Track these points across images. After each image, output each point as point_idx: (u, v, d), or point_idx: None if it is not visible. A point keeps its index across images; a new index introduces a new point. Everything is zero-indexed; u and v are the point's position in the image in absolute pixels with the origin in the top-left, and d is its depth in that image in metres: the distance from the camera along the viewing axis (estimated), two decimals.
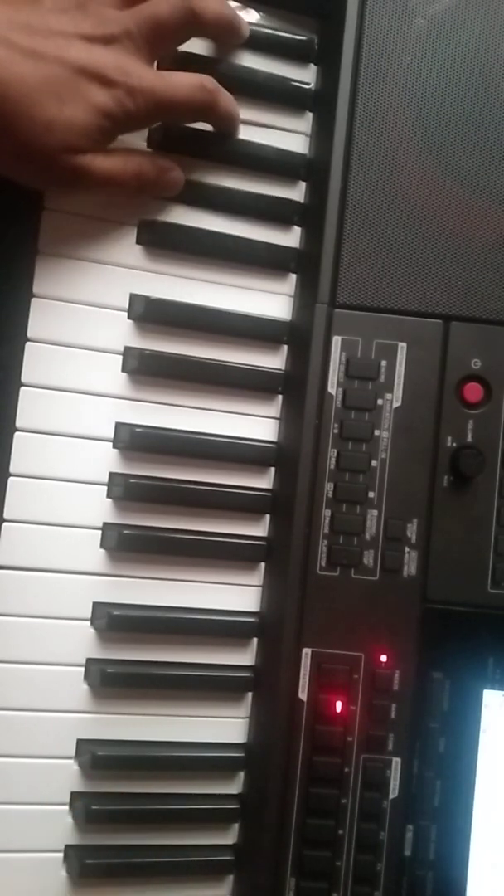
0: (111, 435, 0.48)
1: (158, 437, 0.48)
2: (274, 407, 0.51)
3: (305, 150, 0.52)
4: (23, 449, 0.47)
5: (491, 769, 0.47)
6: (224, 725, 0.49)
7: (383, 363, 0.48)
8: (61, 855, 0.47)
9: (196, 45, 0.49)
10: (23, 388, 0.47)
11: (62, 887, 0.47)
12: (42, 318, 0.47)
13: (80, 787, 0.47)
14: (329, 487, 0.48)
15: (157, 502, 0.49)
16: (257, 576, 0.50)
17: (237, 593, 0.50)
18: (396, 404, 0.48)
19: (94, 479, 0.48)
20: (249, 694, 0.50)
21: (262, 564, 0.50)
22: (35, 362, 0.47)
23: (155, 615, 0.48)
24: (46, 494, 0.47)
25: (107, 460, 0.48)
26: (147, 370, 0.48)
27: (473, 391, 0.49)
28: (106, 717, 0.48)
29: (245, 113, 0.49)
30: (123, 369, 0.48)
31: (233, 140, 0.49)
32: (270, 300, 0.51)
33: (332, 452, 0.48)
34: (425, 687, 0.47)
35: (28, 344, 0.47)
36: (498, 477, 0.49)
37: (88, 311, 0.48)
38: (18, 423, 0.47)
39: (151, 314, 0.48)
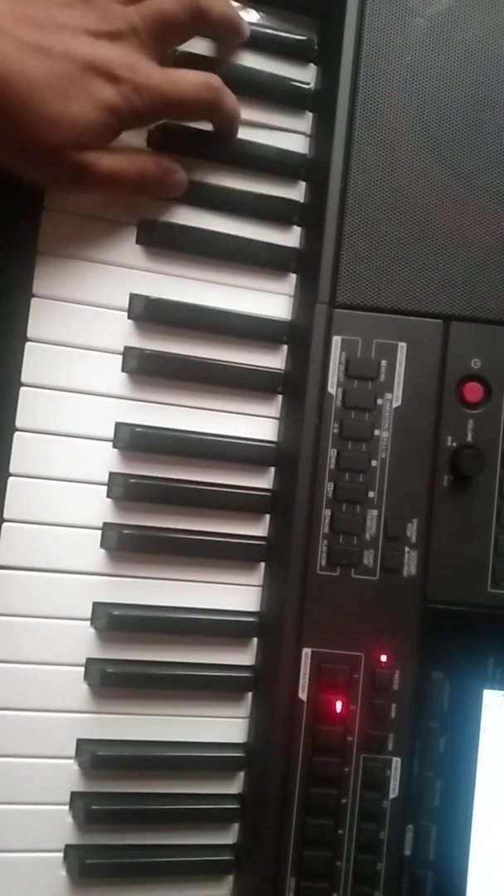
0: (111, 435, 0.48)
1: (158, 437, 0.48)
2: (274, 407, 0.51)
3: (305, 149, 0.52)
4: (23, 449, 0.47)
5: (491, 769, 0.47)
6: (224, 725, 0.49)
7: (383, 363, 0.48)
8: (61, 855, 0.47)
9: (196, 45, 0.49)
10: (23, 388, 0.47)
11: (62, 887, 0.47)
12: (42, 318, 0.47)
13: (80, 787, 0.47)
14: (329, 487, 0.48)
15: (157, 502, 0.49)
16: (257, 576, 0.50)
17: (237, 593, 0.50)
18: (396, 404, 0.48)
19: (94, 479, 0.48)
20: (249, 694, 0.50)
21: (262, 564, 0.50)
22: (35, 362, 0.47)
23: (155, 615, 0.48)
24: (46, 494, 0.47)
25: (107, 460, 0.48)
26: (147, 370, 0.48)
27: (473, 391, 0.49)
28: (106, 717, 0.48)
29: (245, 113, 0.49)
30: (123, 369, 0.48)
31: (233, 140, 0.49)
32: (270, 300, 0.51)
33: (332, 452, 0.48)
34: (425, 687, 0.47)
35: (28, 344, 0.47)
36: (498, 477, 0.49)
37: (88, 311, 0.48)
38: (18, 423, 0.47)
39: (151, 314, 0.48)
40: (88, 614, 0.48)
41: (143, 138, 0.48)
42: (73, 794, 0.47)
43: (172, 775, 0.49)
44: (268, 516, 0.50)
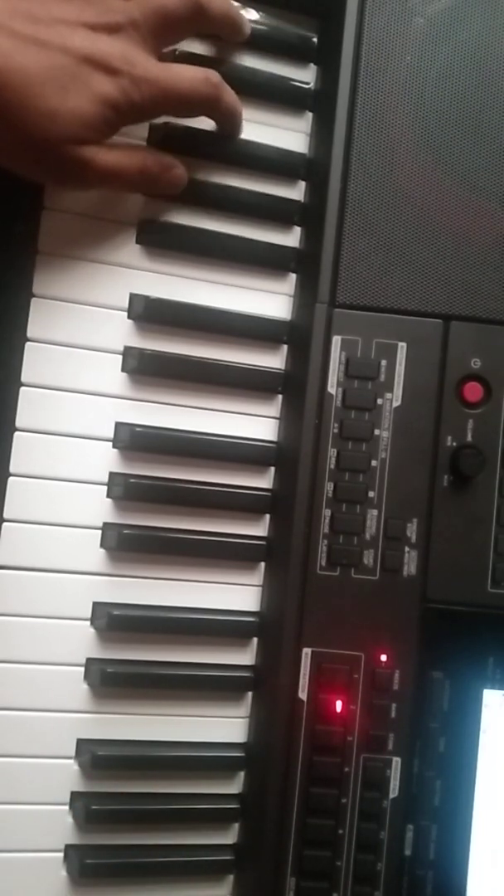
0: (111, 435, 0.48)
1: (158, 436, 0.48)
2: (274, 407, 0.51)
3: (305, 149, 0.52)
4: (23, 449, 0.47)
5: (491, 769, 0.47)
6: (224, 725, 0.49)
7: (383, 363, 0.48)
8: (61, 855, 0.47)
9: (195, 45, 0.49)
10: (23, 388, 0.47)
11: (62, 887, 0.47)
12: (42, 318, 0.47)
13: (80, 787, 0.47)
14: (329, 487, 0.48)
15: (157, 502, 0.49)
16: (257, 576, 0.50)
17: (237, 593, 0.50)
18: (396, 404, 0.48)
19: (94, 479, 0.48)
20: (249, 694, 0.50)
21: (262, 564, 0.50)
22: (35, 362, 0.47)
23: (155, 615, 0.48)
24: (46, 494, 0.47)
25: (107, 460, 0.48)
26: (147, 370, 0.48)
27: (473, 391, 0.49)
28: (106, 717, 0.48)
29: (245, 112, 0.49)
30: (123, 369, 0.48)
31: (232, 139, 0.49)
32: (270, 300, 0.51)
33: (332, 452, 0.48)
34: (425, 687, 0.47)
35: (28, 344, 0.47)
36: (498, 477, 0.49)
37: (88, 311, 0.48)
38: (18, 423, 0.47)
39: (151, 314, 0.48)
40: (88, 614, 0.48)
41: (144, 138, 0.48)
42: (73, 794, 0.47)
43: (172, 775, 0.49)
44: (268, 516, 0.50)
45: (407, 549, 0.48)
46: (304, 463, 0.48)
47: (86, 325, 0.48)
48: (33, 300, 0.47)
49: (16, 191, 0.46)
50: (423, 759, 0.47)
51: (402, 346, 0.49)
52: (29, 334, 0.47)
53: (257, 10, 0.50)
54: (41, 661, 0.47)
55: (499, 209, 0.49)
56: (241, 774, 0.50)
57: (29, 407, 0.47)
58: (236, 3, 0.49)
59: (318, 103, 0.51)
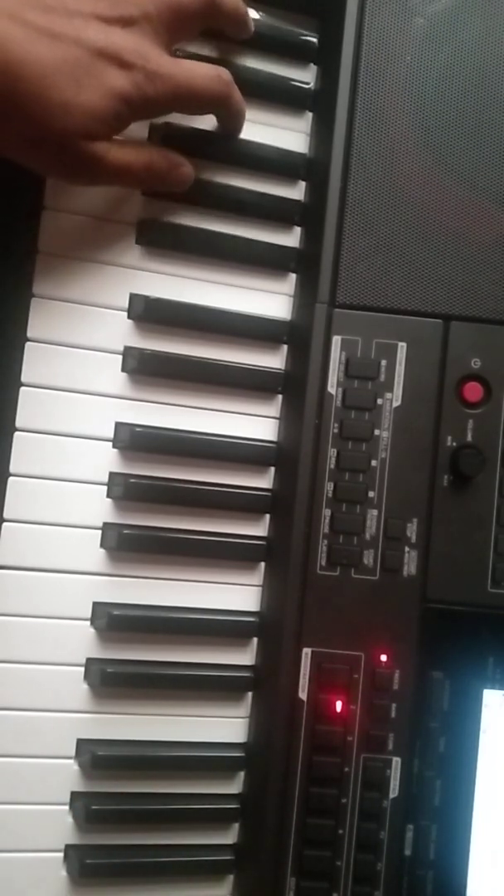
0: (111, 435, 0.48)
1: (158, 436, 0.48)
2: (274, 407, 0.51)
3: (305, 149, 0.52)
4: (23, 449, 0.47)
5: (491, 769, 0.47)
6: (224, 725, 0.49)
7: (383, 363, 0.48)
8: (61, 855, 0.47)
9: (195, 44, 0.49)
10: (23, 388, 0.47)
11: (62, 887, 0.47)
12: (42, 318, 0.47)
13: (80, 787, 0.47)
14: (329, 487, 0.48)
15: (157, 502, 0.49)
16: (257, 576, 0.50)
17: (237, 593, 0.50)
18: (396, 404, 0.48)
19: (94, 479, 0.48)
20: (249, 694, 0.50)
21: (262, 564, 0.50)
22: (35, 362, 0.47)
23: (155, 615, 0.48)
24: (46, 494, 0.47)
25: (107, 460, 0.48)
26: (147, 370, 0.48)
27: (473, 391, 0.49)
28: (106, 717, 0.48)
29: (245, 112, 0.49)
30: (123, 369, 0.48)
31: (232, 139, 0.49)
32: (270, 300, 0.51)
33: (332, 452, 0.48)
34: (425, 687, 0.47)
35: (28, 344, 0.47)
36: (498, 477, 0.49)
37: (88, 311, 0.48)
38: (18, 423, 0.47)
39: (151, 314, 0.48)
40: (88, 614, 0.48)
41: (144, 138, 0.48)
42: (73, 794, 0.47)
43: (172, 775, 0.49)
44: (268, 516, 0.50)
45: (407, 549, 0.48)
46: (304, 463, 0.48)
47: (86, 325, 0.48)
48: (33, 300, 0.47)
49: (16, 190, 0.46)
50: (423, 759, 0.47)
51: (402, 346, 0.49)
52: (29, 334, 0.47)
53: (257, 10, 0.50)
54: (41, 661, 0.47)
55: (499, 209, 0.49)
56: (241, 774, 0.50)
57: (29, 407, 0.47)
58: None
59: (318, 103, 0.51)
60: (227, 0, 0.45)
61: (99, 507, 0.48)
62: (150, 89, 0.42)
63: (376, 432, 0.48)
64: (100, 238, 0.48)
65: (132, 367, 0.48)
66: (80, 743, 0.47)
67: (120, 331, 0.48)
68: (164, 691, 0.48)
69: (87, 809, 0.47)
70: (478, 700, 0.48)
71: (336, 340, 0.48)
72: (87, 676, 0.47)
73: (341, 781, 0.47)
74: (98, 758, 0.47)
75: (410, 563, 0.48)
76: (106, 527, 0.48)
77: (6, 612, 0.46)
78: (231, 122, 0.48)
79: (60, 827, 0.47)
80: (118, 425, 0.48)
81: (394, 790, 0.47)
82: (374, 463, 0.48)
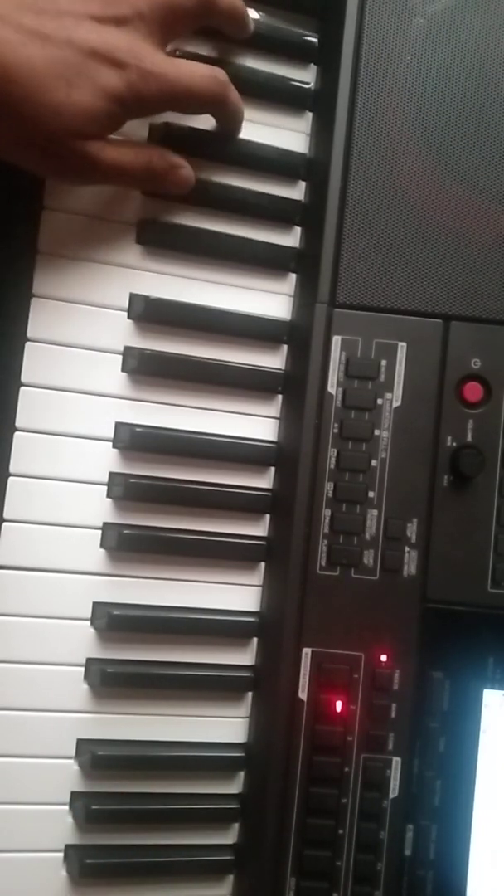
0: (111, 435, 0.48)
1: (158, 436, 0.48)
2: (274, 407, 0.51)
3: (305, 149, 0.52)
4: (23, 449, 0.47)
5: (491, 769, 0.47)
6: (224, 725, 0.49)
7: (383, 363, 0.48)
8: (61, 855, 0.47)
9: (195, 44, 0.49)
10: (23, 388, 0.47)
11: (62, 887, 0.47)
12: (42, 318, 0.47)
13: (80, 787, 0.47)
14: (329, 487, 0.48)
15: (157, 502, 0.49)
16: (257, 576, 0.50)
17: (237, 593, 0.50)
18: (396, 404, 0.48)
19: (94, 479, 0.48)
20: (249, 694, 0.50)
21: (262, 564, 0.50)
22: (35, 362, 0.47)
23: (155, 615, 0.48)
24: (46, 494, 0.47)
25: (107, 460, 0.48)
26: (147, 370, 0.48)
27: (473, 391, 0.49)
28: (106, 717, 0.48)
29: (245, 112, 0.49)
30: (123, 369, 0.48)
31: (232, 139, 0.49)
32: (270, 300, 0.51)
33: (332, 452, 0.48)
34: (425, 687, 0.47)
35: (28, 344, 0.47)
36: (498, 477, 0.49)
37: (88, 311, 0.48)
38: (18, 423, 0.47)
39: (151, 314, 0.48)
40: (88, 614, 0.48)
41: (143, 138, 0.48)
42: (73, 794, 0.47)
43: (172, 775, 0.49)
44: (268, 516, 0.50)
45: (407, 549, 0.48)
46: (304, 463, 0.48)
47: (86, 325, 0.48)
48: (33, 300, 0.47)
49: (16, 191, 0.46)
50: (423, 759, 0.47)
51: (402, 346, 0.49)
52: (29, 334, 0.47)
53: (257, 10, 0.50)
54: (41, 661, 0.47)
55: (499, 209, 0.49)
56: (241, 774, 0.50)
57: (29, 407, 0.47)
58: None
59: (318, 103, 0.51)
60: None
61: (99, 507, 0.48)
62: (143, 88, 0.42)
63: (376, 432, 0.48)
64: (100, 238, 0.48)
65: (132, 367, 0.48)
66: (80, 743, 0.47)
67: (120, 331, 0.48)
68: (164, 691, 0.48)
69: (87, 809, 0.47)
70: (478, 700, 0.48)
71: (336, 340, 0.48)
72: (87, 676, 0.47)
73: (341, 781, 0.47)
74: (98, 758, 0.47)
75: (410, 564, 0.48)
76: (106, 527, 0.48)
77: (6, 612, 0.46)
78: (228, 122, 0.48)
79: (60, 827, 0.47)
80: (118, 425, 0.48)
81: (394, 790, 0.47)
82: (374, 463, 0.48)
